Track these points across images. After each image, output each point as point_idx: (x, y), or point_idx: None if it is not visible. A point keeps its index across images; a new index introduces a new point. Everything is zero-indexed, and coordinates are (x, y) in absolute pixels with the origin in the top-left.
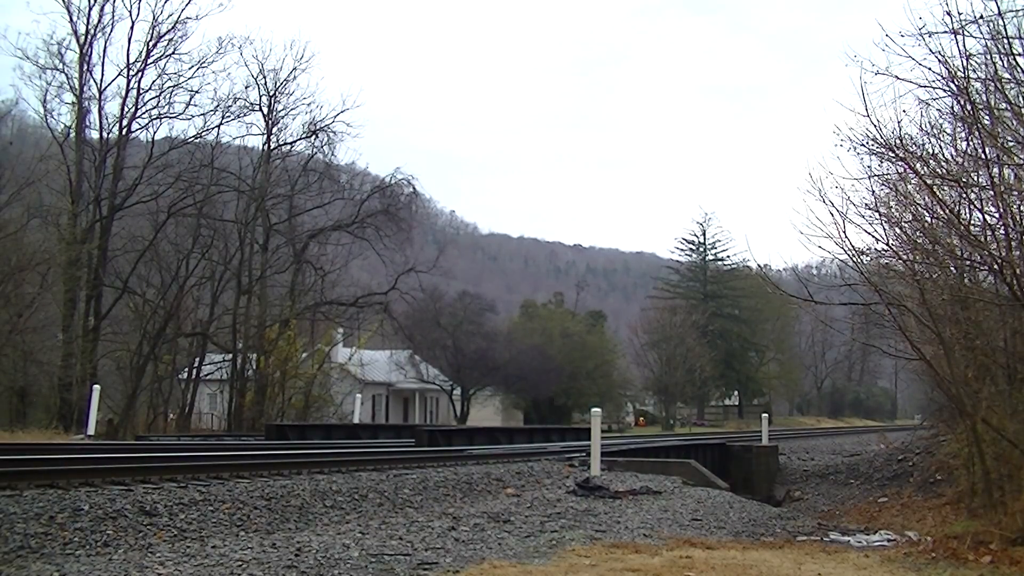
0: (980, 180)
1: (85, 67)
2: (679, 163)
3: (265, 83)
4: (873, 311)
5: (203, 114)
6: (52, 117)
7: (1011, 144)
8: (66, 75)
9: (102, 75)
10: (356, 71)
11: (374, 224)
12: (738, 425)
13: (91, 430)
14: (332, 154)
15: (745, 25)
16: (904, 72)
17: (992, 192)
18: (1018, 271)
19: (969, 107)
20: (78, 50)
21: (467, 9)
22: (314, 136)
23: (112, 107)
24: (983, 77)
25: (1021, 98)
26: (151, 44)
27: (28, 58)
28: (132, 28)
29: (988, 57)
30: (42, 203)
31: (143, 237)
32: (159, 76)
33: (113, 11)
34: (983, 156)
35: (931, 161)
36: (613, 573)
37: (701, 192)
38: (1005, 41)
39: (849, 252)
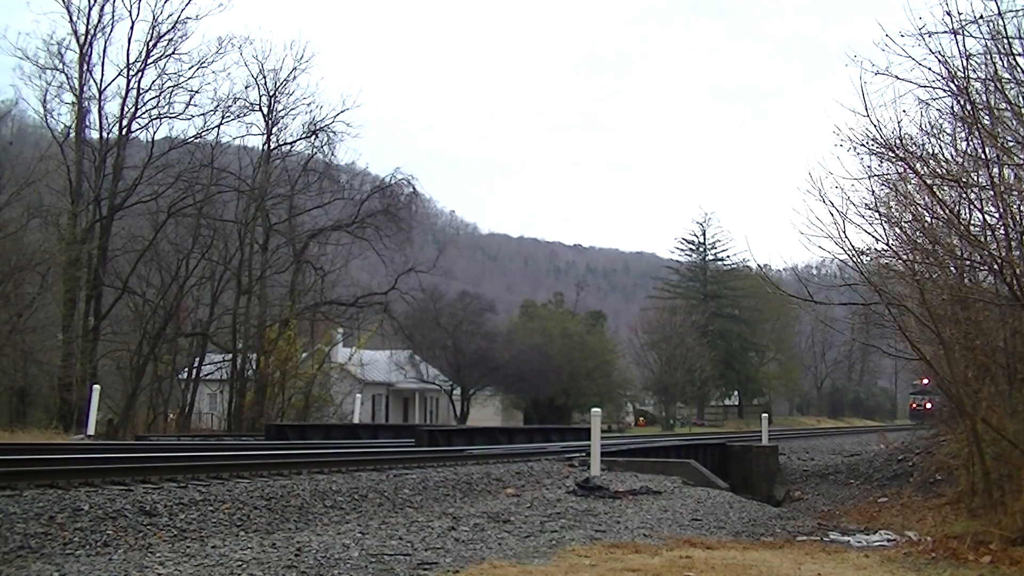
0: (980, 180)
1: (85, 67)
2: (679, 163)
3: (265, 83)
4: (873, 311)
5: (203, 114)
6: (52, 117)
7: (1011, 144)
8: (66, 75)
9: (102, 75)
10: (356, 71)
11: (374, 224)
12: (738, 425)
13: (91, 430)
14: (332, 154)
15: (748, 28)
16: (904, 72)
17: (992, 192)
18: (1018, 271)
19: (969, 107)
20: (78, 50)
21: (468, 9)
22: (314, 136)
23: (112, 107)
24: (983, 77)
25: (1021, 98)
26: (151, 44)
27: (28, 58)
28: (132, 28)
29: (988, 57)
30: (42, 203)
31: (143, 237)
32: (159, 76)
33: (113, 11)
34: (983, 156)
35: (931, 161)
36: (613, 573)
37: (701, 192)
38: (1005, 41)
39: (849, 252)
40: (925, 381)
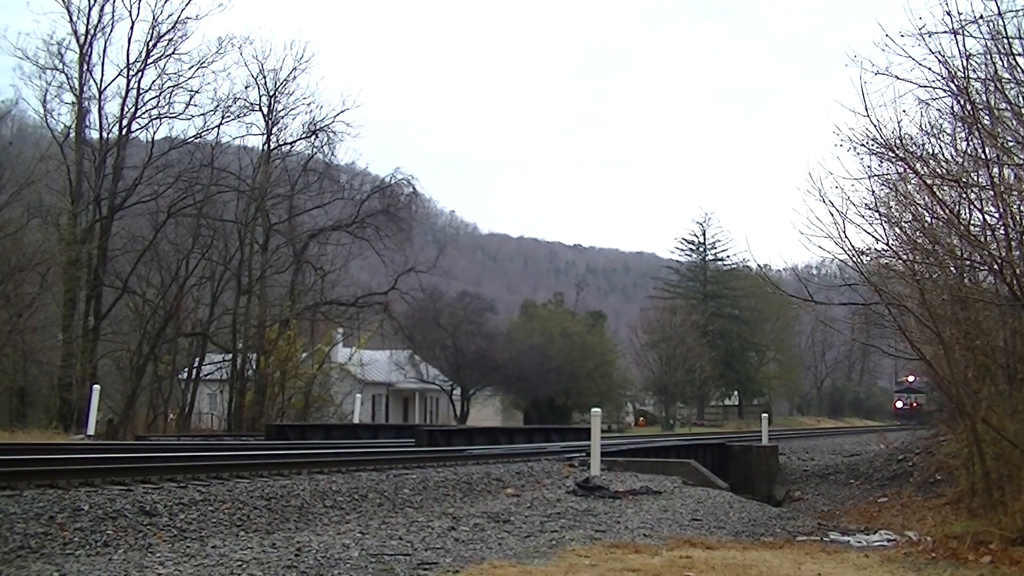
0: (980, 180)
1: (85, 67)
2: (679, 163)
3: (265, 83)
4: (873, 311)
5: (203, 114)
6: (52, 117)
7: (1011, 144)
8: (66, 75)
9: (102, 75)
10: (356, 71)
11: (374, 224)
12: (738, 425)
13: (91, 430)
14: (332, 154)
15: (748, 29)
16: (904, 72)
17: (992, 192)
18: (1018, 271)
19: (969, 107)
20: (78, 50)
21: (468, 9)
22: (314, 136)
23: (112, 107)
24: (983, 77)
25: (1021, 98)
26: (151, 44)
27: (28, 58)
28: (132, 28)
29: (988, 57)
30: (42, 203)
31: (143, 237)
32: (159, 76)
33: (113, 11)
34: (983, 156)
35: (931, 161)
36: (613, 573)
37: (701, 192)
38: (1005, 41)
39: (849, 252)
40: (911, 378)
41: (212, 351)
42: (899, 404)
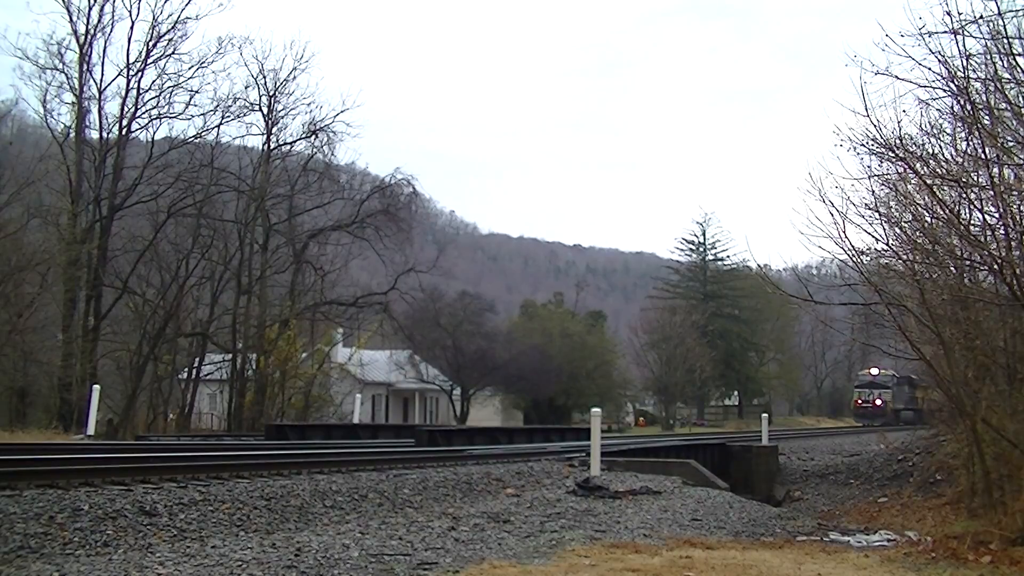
0: (980, 180)
1: (85, 67)
2: (680, 163)
3: (265, 83)
4: (873, 311)
5: (203, 114)
6: (52, 117)
7: (1011, 144)
8: (66, 75)
9: (102, 75)
10: (356, 71)
11: (374, 224)
12: (738, 425)
13: (91, 430)
14: (332, 154)
15: (749, 30)
16: (904, 72)
17: (992, 192)
18: (1018, 271)
19: (969, 107)
20: (78, 50)
21: (468, 9)
22: (314, 136)
23: (112, 107)
24: (983, 77)
25: (1021, 98)
26: (151, 44)
27: (28, 58)
28: (132, 28)
29: (988, 57)
30: (42, 203)
31: (143, 237)
32: (159, 76)
33: (113, 11)
34: (983, 156)
35: (931, 161)
36: (613, 573)
37: (701, 192)
38: (1005, 41)
39: (849, 252)
40: (874, 371)
41: (212, 351)
42: (860, 401)
